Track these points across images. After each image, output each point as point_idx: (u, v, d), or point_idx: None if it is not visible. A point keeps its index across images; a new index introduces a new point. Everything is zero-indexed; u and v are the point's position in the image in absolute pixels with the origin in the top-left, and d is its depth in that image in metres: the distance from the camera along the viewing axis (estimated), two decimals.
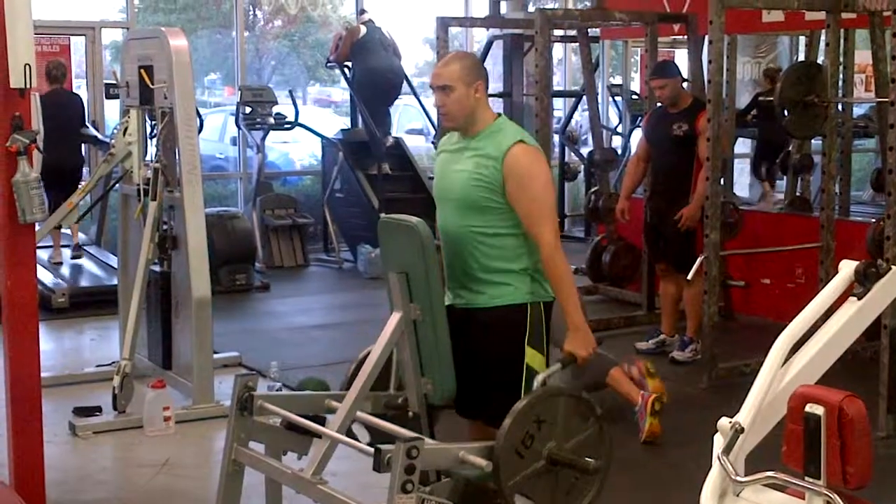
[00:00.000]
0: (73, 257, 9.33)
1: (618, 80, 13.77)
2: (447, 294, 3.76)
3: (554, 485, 3.31)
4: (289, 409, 3.64)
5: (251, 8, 15.72)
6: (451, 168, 3.73)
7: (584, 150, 11.61)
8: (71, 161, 9.03)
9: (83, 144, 9.49)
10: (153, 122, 5.95)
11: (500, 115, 3.79)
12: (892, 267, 2.89)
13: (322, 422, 3.60)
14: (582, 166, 11.85)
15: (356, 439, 3.70)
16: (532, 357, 3.63)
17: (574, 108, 11.85)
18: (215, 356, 6.10)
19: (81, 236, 9.79)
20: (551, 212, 3.66)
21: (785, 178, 9.96)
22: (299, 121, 10.55)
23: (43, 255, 8.93)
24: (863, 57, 8.68)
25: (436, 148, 4.11)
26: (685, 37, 8.06)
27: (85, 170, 9.42)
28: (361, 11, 11.05)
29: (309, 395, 3.84)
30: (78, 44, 10.71)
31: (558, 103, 12.45)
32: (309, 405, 3.71)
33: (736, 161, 9.61)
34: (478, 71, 3.72)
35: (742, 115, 9.58)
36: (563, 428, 3.33)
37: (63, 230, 8.68)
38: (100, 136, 9.58)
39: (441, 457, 3.29)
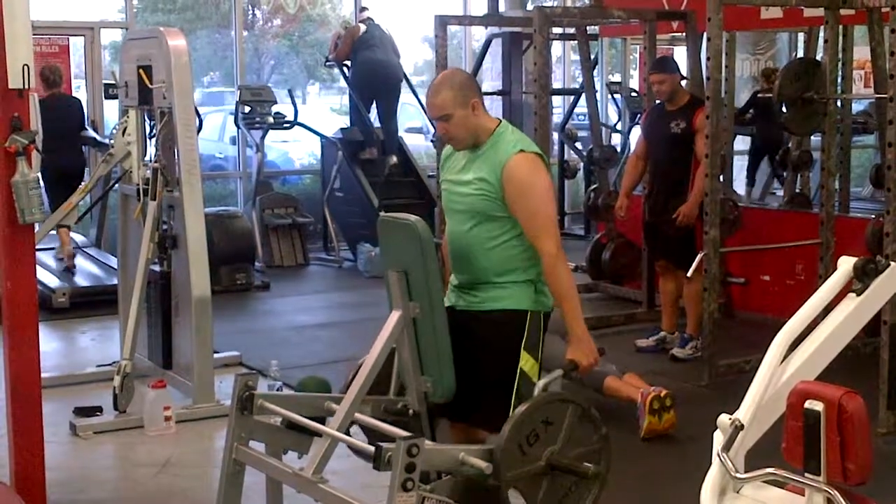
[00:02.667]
0: (66, 269, 9.02)
1: (617, 78, 13.76)
2: (449, 296, 3.77)
3: (548, 490, 3.31)
4: (288, 411, 3.63)
5: (250, 7, 15.68)
6: (459, 180, 3.74)
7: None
8: (73, 164, 9.00)
9: (84, 147, 9.47)
10: (152, 122, 5.95)
11: (500, 120, 3.77)
12: (891, 263, 2.89)
13: (322, 421, 3.60)
14: (581, 164, 11.84)
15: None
16: (526, 361, 3.62)
17: (573, 106, 11.84)
18: (215, 355, 6.10)
19: (81, 238, 9.76)
20: (551, 221, 3.64)
21: (778, 175, 9.97)
22: (298, 120, 10.55)
23: (48, 257, 8.91)
24: (861, 53, 8.67)
25: (434, 146, 4.12)
26: (684, 34, 8.06)
27: (86, 171, 9.39)
28: (362, 9, 11.03)
29: (307, 396, 3.82)
30: (77, 44, 10.70)
31: (557, 101, 12.45)
32: (308, 407, 3.69)
33: (735, 158, 9.61)
34: (469, 88, 3.68)
35: (741, 114, 9.57)
36: (567, 436, 3.33)
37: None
38: (99, 138, 9.56)
39: (441, 458, 3.29)
